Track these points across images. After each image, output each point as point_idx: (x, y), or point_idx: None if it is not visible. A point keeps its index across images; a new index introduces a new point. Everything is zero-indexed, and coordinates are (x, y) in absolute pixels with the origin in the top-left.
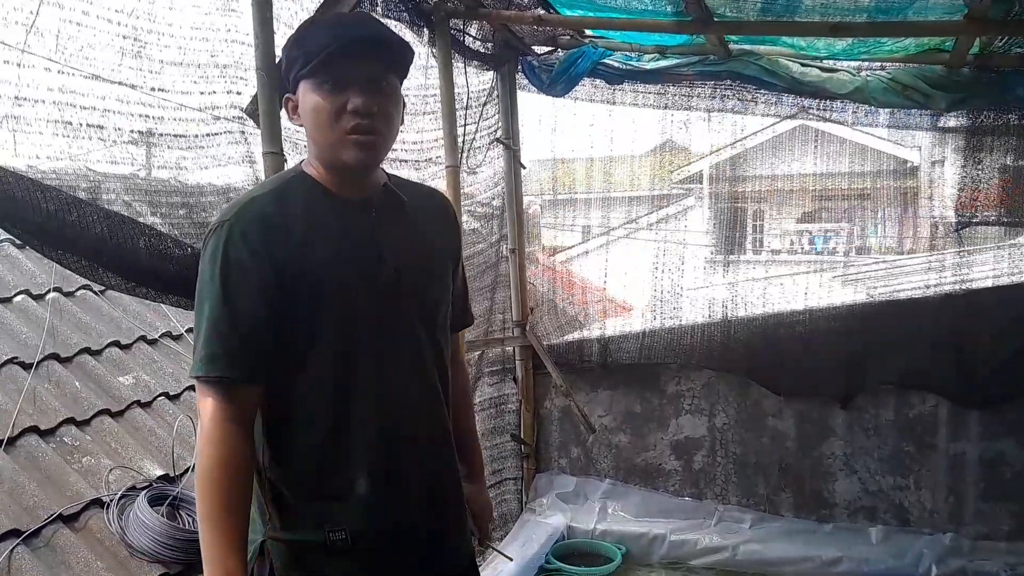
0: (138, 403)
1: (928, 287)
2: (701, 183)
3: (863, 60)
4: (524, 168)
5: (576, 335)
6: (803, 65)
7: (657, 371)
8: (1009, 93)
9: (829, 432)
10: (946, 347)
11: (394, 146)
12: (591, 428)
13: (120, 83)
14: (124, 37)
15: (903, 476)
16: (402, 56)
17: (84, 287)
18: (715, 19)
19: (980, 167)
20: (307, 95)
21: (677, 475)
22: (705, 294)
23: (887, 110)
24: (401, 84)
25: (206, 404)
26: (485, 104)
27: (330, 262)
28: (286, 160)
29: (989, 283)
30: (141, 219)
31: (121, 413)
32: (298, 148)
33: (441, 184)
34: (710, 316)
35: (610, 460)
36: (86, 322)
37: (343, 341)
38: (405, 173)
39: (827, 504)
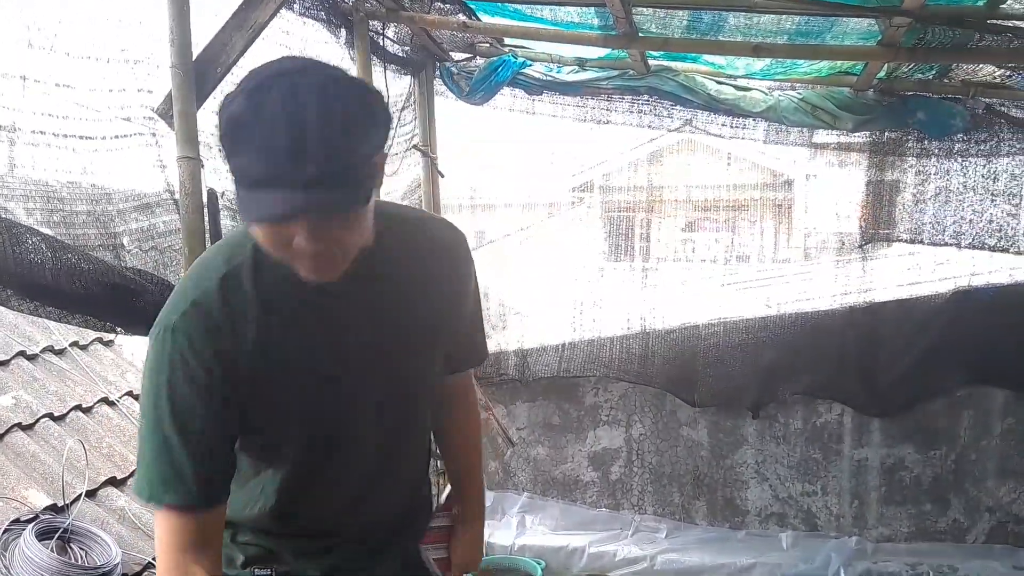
0: (19, 426)
1: (834, 300)
2: (592, 191)
3: (778, 80)
4: (442, 176)
5: (493, 348)
6: (718, 83)
7: (576, 383)
8: (910, 116)
9: (741, 441)
10: (851, 358)
11: None
12: (510, 442)
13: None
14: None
15: (811, 482)
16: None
17: None
18: (640, 35)
19: (882, 184)
20: None
21: (595, 486)
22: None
23: (764, 126)
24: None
25: (159, 531)
26: (403, 109)
27: (293, 365)
28: (202, 165)
29: (889, 296)
30: (44, 228)
31: (0, 437)
32: (215, 152)
33: None
34: (628, 328)
35: (528, 473)
36: None
37: (307, 451)
38: None
39: (740, 511)
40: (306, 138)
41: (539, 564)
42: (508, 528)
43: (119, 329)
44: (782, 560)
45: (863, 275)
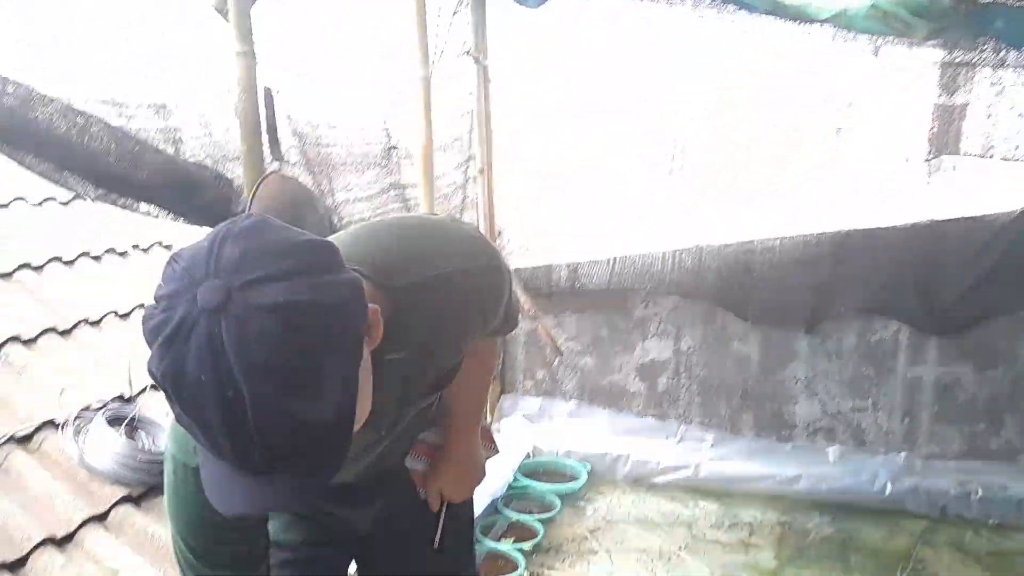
0: (86, 321)
1: (897, 217)
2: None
3: None
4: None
5: (545, 260)
6: None
7: (626, 296)
8: (987, 24)
9: (792, 356)
10: (911, 276)
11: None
12: (558, 351)
13: None
14: None
15: (861, 399)
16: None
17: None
18: None
19: (953, 97)
20: None
21: (641, 396)
22: (671, 218)
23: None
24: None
25: None
26: (455, 14)
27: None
28: (256, 62)
29: (954, 214)
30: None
31: (68, 332)
32: (269, 48)
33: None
34: (681, 243)
35: (575, 382)
36: (26, 236)
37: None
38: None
39: (787, 425)
40: (246, 421)
41: (585, 467)
42: (556, 433)
43: (181, 218)
44: (828, 473)
45: (928, 191)
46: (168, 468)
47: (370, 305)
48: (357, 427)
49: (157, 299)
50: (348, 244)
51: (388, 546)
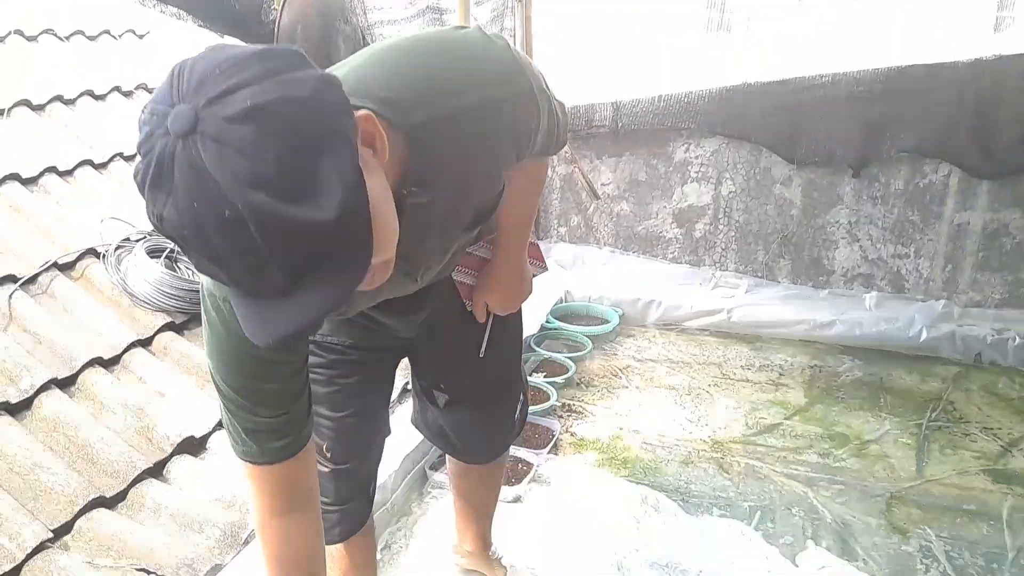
0: (120, 156)
1: (957, 52)
2: None
3: None
4: None
5: (586, 100)
6: None
7: (667, 137)
8: None
9: (836, 200)
10: (968, 116)
11: None
12: (595, 195)
13: None
14: None
15: (904, 245)
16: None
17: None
18: None
19: None
20: None
21: (677, 243)
22: (718, 55)
23: None
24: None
25: (250, 485)
26: None
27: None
28: None
29: (1020, 50)
30: None
31: (104, 165)
32: None
33: None
34: (727, 80)
35: (610, 228)
36: (57, 69)
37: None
38: None
39: (825, 271)
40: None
41: (617, 311)
42: (589, 279)
43: (209, 25)
44: (863, 319)
45: (994, 25)
46: (204, 305)
47: (361, 110)
48: (388, 247)
49: (137, 149)
50: (363, 68)
51: (435, 352)
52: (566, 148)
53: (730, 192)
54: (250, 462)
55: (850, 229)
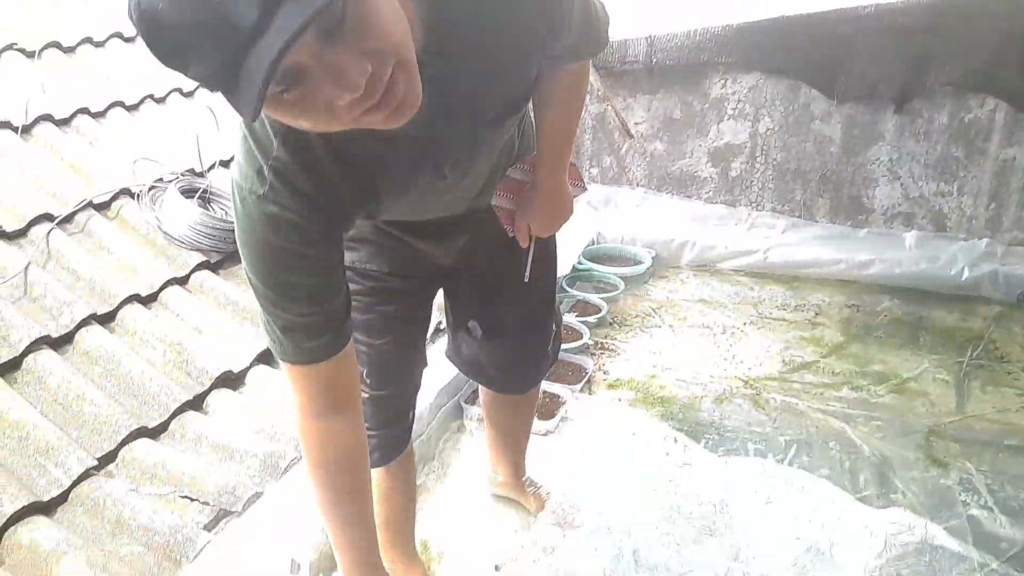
0: (151, 97)
1: None
2: None
3: None
4: None
5: (619, 35)
6: None
7: (703, 72)
8: None
9: (877, 137)
10: (1017, 48)
11: None
12: (629, 134)
13: None
14: None
15: (947, 182)
16: None
17: None
18: None
19: None
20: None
21: (712, 183)
22: None
23: None
24: None
25: (292, 385)
26: None
27: (385, 187)
28: None
29: None
30: None
31: (135, 107)
32: None
33: None
34: (767, 12)
35: (644, 168)
36: (89, 8)
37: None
38: None
39: (864, 210)
40: None
41: (649, 252)
42: (621, 220)
43: None
44: (903, 258)
45: None
46: (234, 200)
47: None
48: (388, 36)
49: None
50: None
51: (473, 282)
52: (599, 85)
53: (767, 129)
54: (287, 361)
55: (891, 167)
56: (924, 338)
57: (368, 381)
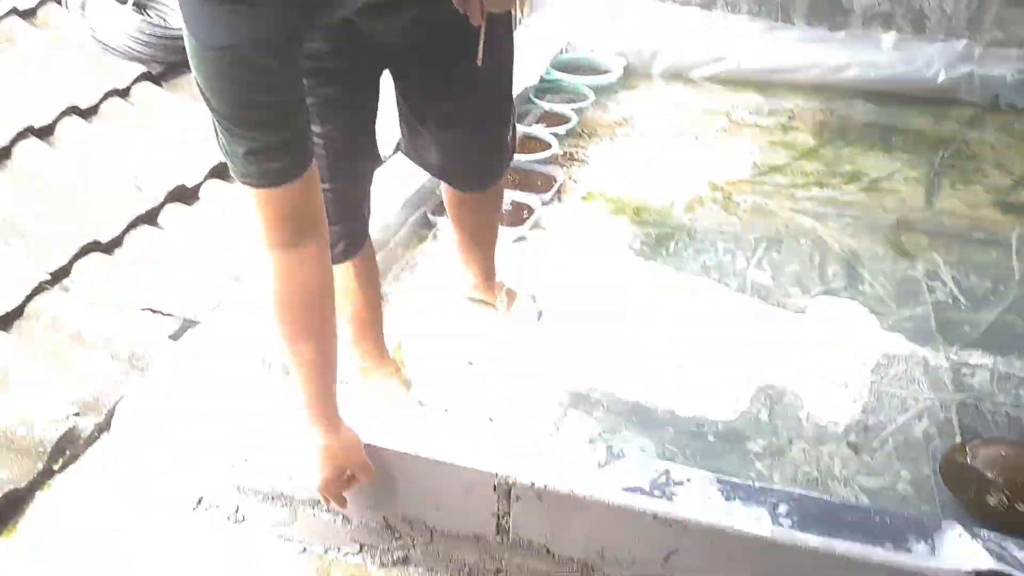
0: None
1: None
2: None
3: None
4: None
5: None
6: None
7: None
8: None
9: None
10: None
11: None
12: None
13: None
14: None
15: None
16: None
17: None
18: None
19: None
20: None
21: None
22: None
23: None
24: None
25: (259, 210)
26: None
27: None
28: None
29: None
30: None
31: None
32: None
33: None
34: None
35: None
36: None
37: None
38: None
39: (843, 11)
40: None
41: (619, 61)
42: (589, 28)
43: None
44: (880, 60)
45: None
46: (188, 46)
47: None
48: None
49: None
50: None
51: (425, 63)
52: None
53: None
54: (251, 185)
55: None
56: (896, 140)
57: (321, 175)
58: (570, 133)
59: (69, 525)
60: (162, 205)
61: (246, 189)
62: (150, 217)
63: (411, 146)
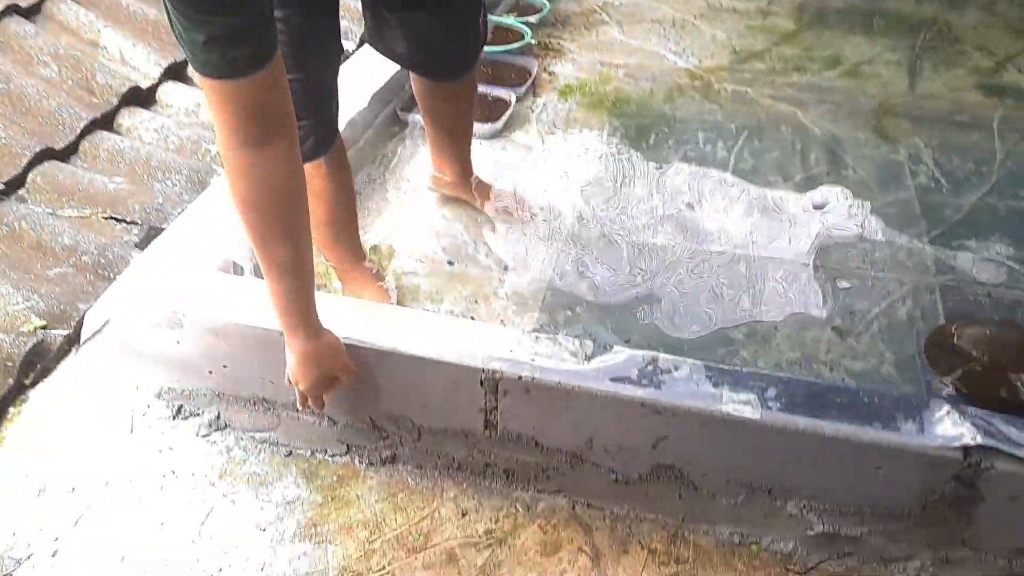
0: None
1: None
2: None
3: None
4: None
5: None
6: None
7: None
8: None
9: None
10: None
11: None
12: None
13: None
14: None
15: None
16: None
17: None
18: None
19: None
20: None
21: None
22: None
23: None
24: None
25: (221, 104)
26: None
27: None
28: None
29: None
30: None
31: None
32: None
33: None
34: None
35: None
36: None
37: None
38: None
39: None
40: None
41: None
42: None
43: None
44: None
45: None
46: None
47: None
48: None
49: None
50: None
51: None
52: None
53: None
54: (212, 77)
55: None
56: (878, 23)
57: (285, 65)
58: (543, 22)
59: (46, 443)
60: (118, 108)
61: (207, 85)
62: (106, 122)
63: (376, 34)
